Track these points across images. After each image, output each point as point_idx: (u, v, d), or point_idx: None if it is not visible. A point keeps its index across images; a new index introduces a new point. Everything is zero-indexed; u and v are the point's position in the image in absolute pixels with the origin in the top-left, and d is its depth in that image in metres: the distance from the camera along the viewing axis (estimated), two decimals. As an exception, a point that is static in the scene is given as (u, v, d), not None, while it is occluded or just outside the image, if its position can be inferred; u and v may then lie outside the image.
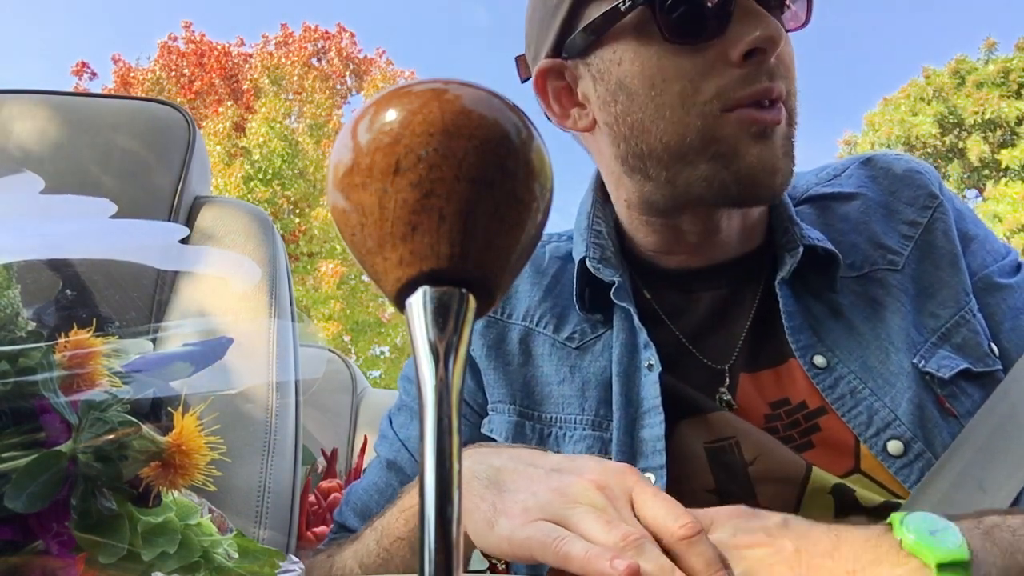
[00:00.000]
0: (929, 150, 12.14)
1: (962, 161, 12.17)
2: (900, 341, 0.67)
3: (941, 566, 0.41)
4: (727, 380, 0.69)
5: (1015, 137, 11.68)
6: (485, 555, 0.97)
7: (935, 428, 0.63)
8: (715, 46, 0.62)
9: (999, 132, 11.91)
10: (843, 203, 0.75)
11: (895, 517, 0.45)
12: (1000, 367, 0.67)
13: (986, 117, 11.62)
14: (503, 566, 0.95)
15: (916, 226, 0.72)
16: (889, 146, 12.15)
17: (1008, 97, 11.64)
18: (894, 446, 0.63)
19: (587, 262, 0.72)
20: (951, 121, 12.05)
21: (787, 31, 0.64)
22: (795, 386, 0.67)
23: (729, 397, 0.68)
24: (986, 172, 12.08)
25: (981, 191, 12.15)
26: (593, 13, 0.66)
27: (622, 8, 0.64)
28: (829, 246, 0.69)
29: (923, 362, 0.66)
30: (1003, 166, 11.39)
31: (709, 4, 0.62)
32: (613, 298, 0.71)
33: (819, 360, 0.67)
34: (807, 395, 0.67)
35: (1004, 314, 0.70)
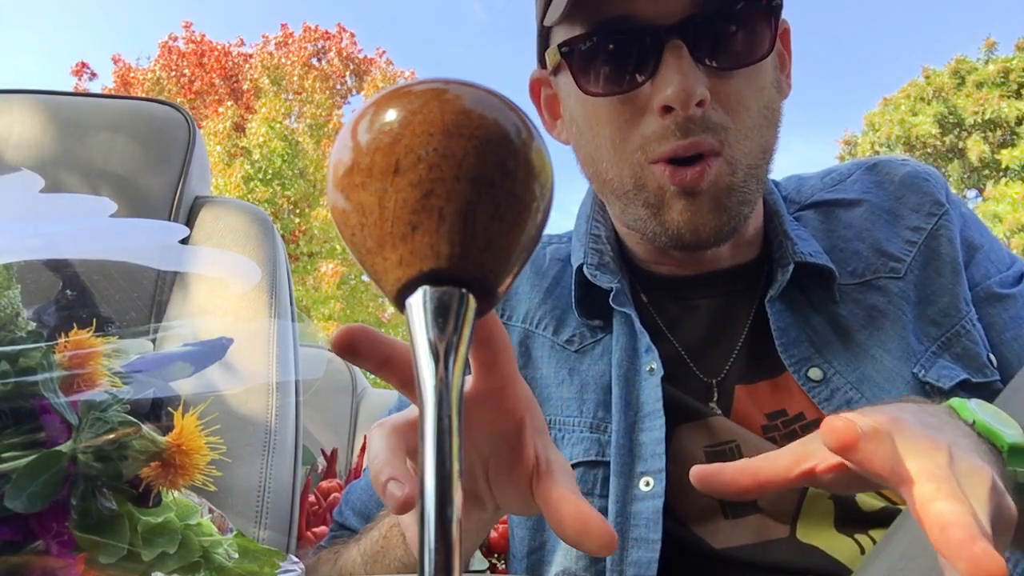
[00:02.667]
0: (929, 150, 12.13)
1: (962, 161, 12.17)
2: (899, 350, 0.66)
3: (1013, 449, 0.42)
4: (715, 395, 0.68)
5: (1015, 137, 11.67)
6: (485, 555, 0.97)
7: None
8: (643, 93, 0.62)
9: (999, 132, 11.90)
10: (847, 209, 0.75)
11: (955, 403, 0.45)
12: (998, 378, 0.67)
13: (986, 117, 11.62)
14: (503, 566, 0.95)
15: (920, 232, 0.72)
16: (889, 146, 12.15)
17: (1008, 97, 11.63)
18: None
19: (584, 269, 0.72)
20: (951, 121, 12.05)
21: (733, 68, 0.62)
22: (792, 398, 0.67)
23: (719, 412, 0.67)
24: (986, 172, 12.08)
25: (981, 191, 12.14)
26: (556, 38, 0.67)
27: (562, 51, 0.65)
28: (822, 261, 0.69)
29: (923, 372, 0.65)
30: (1003, 166, 11.38)
31: (626, 61, 0.61)
32: (612, 304, 0.71)
33: (815, 373, 0.66)
34: (804, 406, 0.66)
35: (1005, 324, 0.70)
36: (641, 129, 0.63)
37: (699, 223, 0.63)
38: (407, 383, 0.38)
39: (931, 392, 0.65)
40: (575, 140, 0.70)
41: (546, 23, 0.66)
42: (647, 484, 0.65)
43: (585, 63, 0.63)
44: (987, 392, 0.65)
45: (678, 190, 0.62)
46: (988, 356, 0.68)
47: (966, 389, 0.65)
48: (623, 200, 0.67)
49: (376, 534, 0.63)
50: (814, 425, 0.66)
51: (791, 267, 0.68)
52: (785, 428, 0.66)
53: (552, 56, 0.67)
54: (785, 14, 0.69)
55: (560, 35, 0.66)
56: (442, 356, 0.22)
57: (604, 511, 0.66)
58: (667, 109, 0.60)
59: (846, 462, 0.40)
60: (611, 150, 0.65)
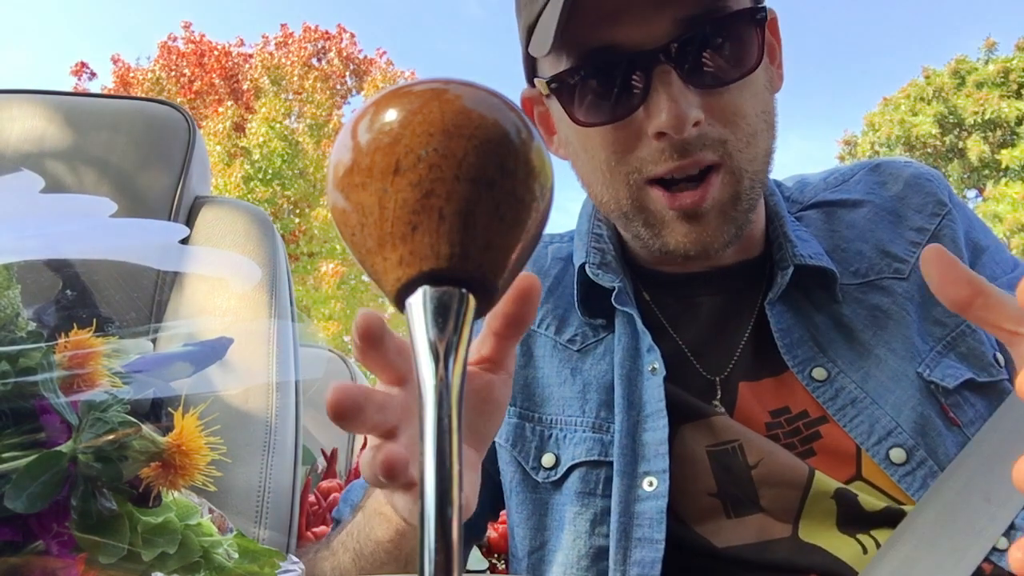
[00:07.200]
0: (929, 150, 12.14)
1: (962, 161, 12.17)
2: (904, 350, 0.66)
3: None
4: (719, 393, 0.68)
5: (1015, 137, 11.68)
6: (485, 555, 0.97)
7: (938, 437, 0.63)
8: (637, 119, 0.62)
9: (999, 132, 11.91)
10: (850, 210, 0.75)
11: None
12: (1006, 376, 0.66)
13: (986, 117, 11.62)
14: (503, 566, 0.95)
15: (924, 232, 0.71)
16: (889, 146, 12.16)
17: (1008, 97, 11.64)
18: (896, 454, 0.63)
19: (586, 268, 0.72)
20: (951, 121, 12.05)
21: (725, 84, 0.61)
22: (795, 396, 0.67)
23: (723, 409, 0.67)
24: (986, 172, 12.08)
25: (981, 191, 12.14)
26: (544, 68, 0.66)
27: (551, 87, 0.65)
28: (822, 263, 0.69)
29: (928, 371, 0.65)
30: (1003, 166, 11.38)
31: (617, 90, 0.61)
32: (614, 303, 0.71)
33: (819, 373, 0.66)
34: (808, 404, 0.66)
35: None
36: (637, 152, 0.63)
37: (706, 241, 0.64)
38: (400, 381, 0.41)
39: (936, 392, 0.65)
40: (572, 159, 0.71)
41: (532, 54, 0.66)
42: (650, 484, 0.65)
43: (575, 96, 0.63)
44: (994, 391, 0.65)
45: (678, 214, 0.63)
46: (995, 355, 0.67)
47: (971, 388, 0.65)
48: (623, 219, 0.68)
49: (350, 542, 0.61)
50: (818, 422, 0.66)
51: (791, 270, 0.68)
52: (789, 425, 0.66)
53: (542, 85, 0.67)
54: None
55: (547, 65, 0.66)
56: (442, 356, 0.22)
57: (607, 511, 0.66)
58: (662, 134, 0.60)
59: None
60: (607, 173, 0.65)
